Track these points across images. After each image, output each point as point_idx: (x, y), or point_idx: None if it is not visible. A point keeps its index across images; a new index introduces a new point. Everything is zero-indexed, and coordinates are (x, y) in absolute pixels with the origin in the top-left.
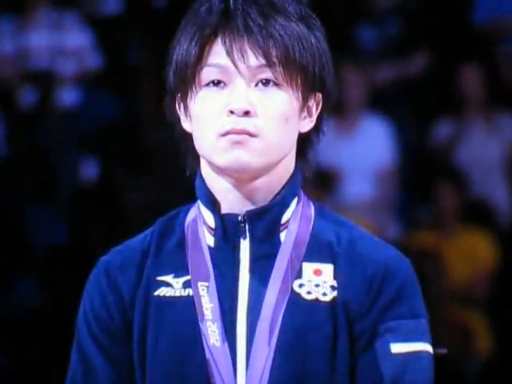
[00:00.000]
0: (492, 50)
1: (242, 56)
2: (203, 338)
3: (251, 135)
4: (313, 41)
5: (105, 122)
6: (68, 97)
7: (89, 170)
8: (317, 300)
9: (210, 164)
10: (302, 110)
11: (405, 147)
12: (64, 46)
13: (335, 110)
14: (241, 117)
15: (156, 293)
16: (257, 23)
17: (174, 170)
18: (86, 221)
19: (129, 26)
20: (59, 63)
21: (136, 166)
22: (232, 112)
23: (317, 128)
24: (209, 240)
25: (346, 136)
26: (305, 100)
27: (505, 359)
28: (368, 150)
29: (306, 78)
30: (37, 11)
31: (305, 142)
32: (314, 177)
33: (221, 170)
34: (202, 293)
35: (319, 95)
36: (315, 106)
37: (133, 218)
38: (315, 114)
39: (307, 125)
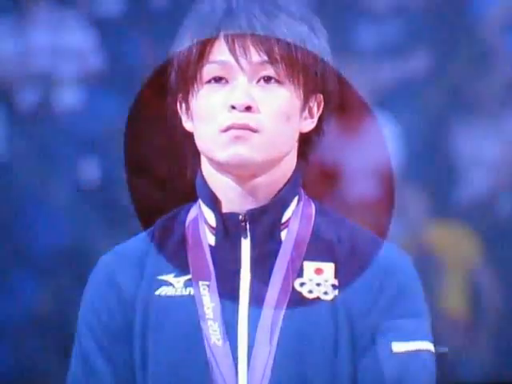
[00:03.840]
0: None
1: (245, 52)
2: (204, 337)
3: (253, 130)
4: (315, 41)
5: (106, 123)
6: (69, 97)
7: (90, 171)
8: (318, 299)
9: (211, 162)
10: (303, 110)
11: (407, 147)
12: (65, 46)
13: (338, 110)
14: (242, 112)
15: (157, 292)
16: (260, 21)
17: (175, 171)
18: (86, 221)
19: (130, 26)
20: (60, 64)
21: (137, 166)
22: (233, 107)
23: (318, 129)
24: (210, 239)
25: (348, 137)
26: (306, 99)
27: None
28: (370, 150)
29: (307, 76)
30: (37, 11)
31: (306, 143)
32: (317, 177)
33: (221, 167)
34: (203, 292)
35: (320, 96)
36: (316, 106)
37: (134, 219)
38: (316, 115)
39: (308, 125)
